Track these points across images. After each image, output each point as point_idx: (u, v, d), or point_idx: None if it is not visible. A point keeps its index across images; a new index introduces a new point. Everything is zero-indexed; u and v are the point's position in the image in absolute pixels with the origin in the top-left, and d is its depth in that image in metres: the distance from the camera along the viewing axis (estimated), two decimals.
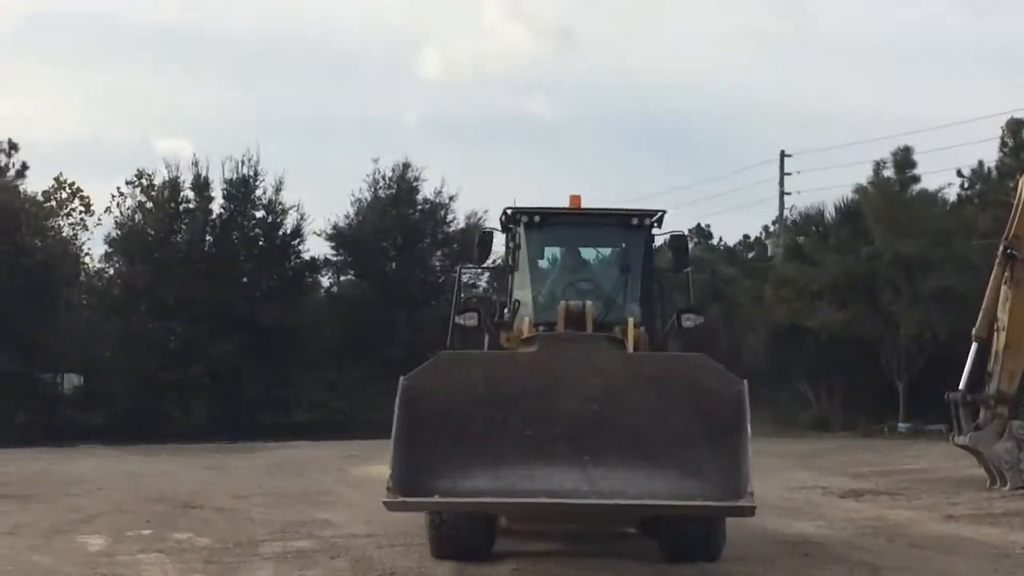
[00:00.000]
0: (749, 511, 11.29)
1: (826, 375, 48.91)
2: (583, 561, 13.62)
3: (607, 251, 16.42)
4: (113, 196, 51.34)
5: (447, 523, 13.11)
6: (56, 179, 52.85)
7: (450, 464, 11.96)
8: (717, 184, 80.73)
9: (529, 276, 15.72)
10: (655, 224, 15.87)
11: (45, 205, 52.01)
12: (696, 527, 12.98)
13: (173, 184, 49.97)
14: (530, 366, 12.54)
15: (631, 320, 14.20)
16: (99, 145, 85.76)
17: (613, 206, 16.46)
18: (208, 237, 50.26)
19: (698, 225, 64.32)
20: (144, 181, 50.56)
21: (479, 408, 12.27)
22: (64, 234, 52.16)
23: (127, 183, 50.88)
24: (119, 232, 50.13)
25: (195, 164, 50.31)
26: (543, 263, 16.26)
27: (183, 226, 49.93)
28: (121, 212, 50.50)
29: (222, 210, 50.49)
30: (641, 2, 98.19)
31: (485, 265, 18.36)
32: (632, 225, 15.67)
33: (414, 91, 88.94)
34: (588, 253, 16.52)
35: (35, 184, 52.86)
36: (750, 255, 64.37)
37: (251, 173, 50.46)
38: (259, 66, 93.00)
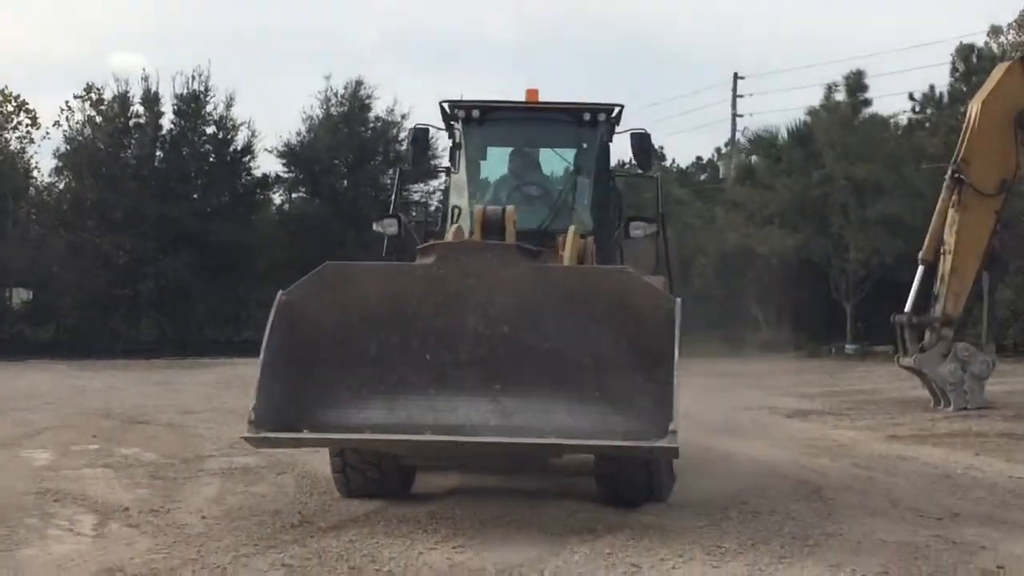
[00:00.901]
0: (672, 452, 9.60)
1: (776, 297, 49.22)
2: (514, 501, 11.54)
3: (561, 152, 14.62)
4: (62, 110, 50.96)
5: (350, 464, 11.66)
6: (1, 92, 52.33)
7: (333, 394, 10.41)
8: (670, 105, 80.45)
9: (466, 179, 14.01)
10: (613, 121, 14.20)
11: None
12: (635, 468, 11.16)
13: (123, 99, 49.68)
14: (426, 280, 10.53)
15: (571, 229, 12.35)
16: (47, 59, 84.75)
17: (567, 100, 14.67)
18: (158, 152, 50.15)
19: None
20: (93, 95, 50.18)
21: (370, 328, 10.51)
22: (11, 148, 51.69)
23: (75, 97, 50.49)
24: (68, 147, 49.80)
25: (145, 79, 50.17)
26: (485, 165, 14.65)
27: (133, 141, 49.76)
28: (70, 127, 50.14)
29: (172, 126, 50.37)
30: None
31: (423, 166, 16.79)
32: (585, 121, 14.06)
33: (371, 6, 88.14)
34: (539, 154, 14.73)
35: None
36: (702, 177, 64.51)
37: (202, 88, 50.35)
38: None
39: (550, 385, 10.28)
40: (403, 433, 10.15)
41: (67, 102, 50.61)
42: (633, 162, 15.09)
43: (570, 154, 14.29)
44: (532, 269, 10.60)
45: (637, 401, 10.08)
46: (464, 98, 14.40)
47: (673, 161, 65.85)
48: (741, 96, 63.01)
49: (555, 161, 14.55)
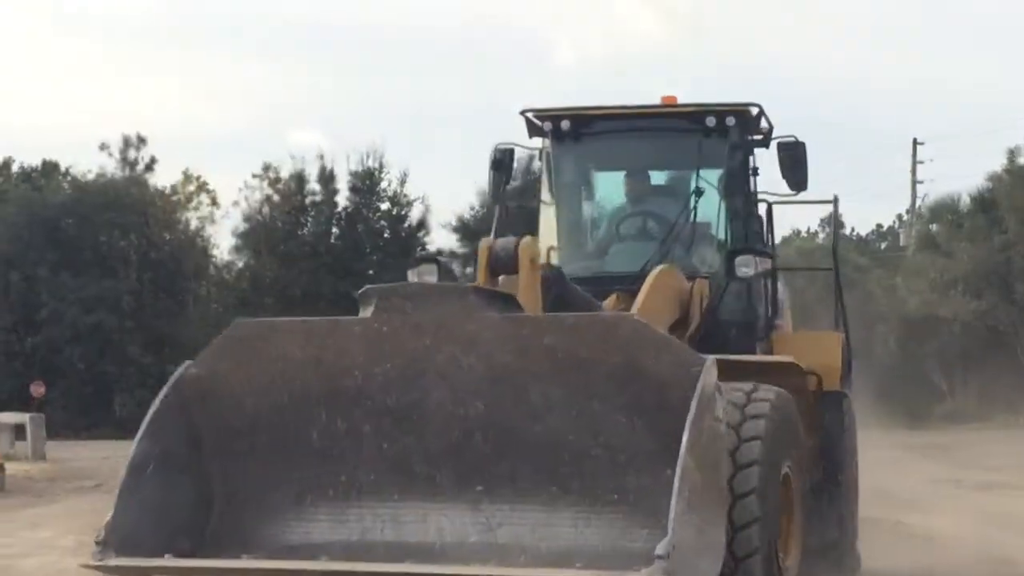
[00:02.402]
0: None
1: (960, 366, 47.81)
2: None
3: (679, 172, 11.94)
4: (240, 189, 51.71)
5: None
6: (184, 173, 53.30)
7: (254, 502, 7.83)
8: (849, 172, 79.01)
9: (556, 213, 11.81)
10: (748, 127, 11.52)
11: (173, 199, 52.38)
12: None
13: (299, 177, 50.27)
14: (366, 339, 7.58)
15: (659, 268, 10.24)
16: (225, 138, 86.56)
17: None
18: (334, 230, 50.49)
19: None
20: (271, 174, 50.85)
21: (299, 408, 7.71)
22: (192, 227, 52.61)
23: (254, 176, 51.20)
24: (246, 225, 50.51)
25: (321, 157, 50.74)
26: (581, 192, 12.12)
27: (309, 219, 50.25)
28: (248, 205, 50.86)
29: (347, 203, 50.68)
30: None
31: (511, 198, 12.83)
32: (710, 128, 11.27)
33: (545, 79, 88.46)
34: (656, 176, 12.07)
35: (163, 178, 53.54)
36: (882, 245, 63.27)
37: (376, 165, 50.64)
38: (390, 57, 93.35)
39: (548, 484, 7.49)
40: (356, 554, 7.39)
41: (245, 181, 51.37)
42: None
43: (690, 173, 11.57)
44: (504, 321, 7.56)
45: (661, 505, 6.76)
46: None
47: (853, 229, 64.87)
48: (921, 162, 61.75)
49: (682, 183, 11.74)
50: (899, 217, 65.49)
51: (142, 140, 51.82)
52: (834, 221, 13.22)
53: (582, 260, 11.63)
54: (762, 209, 12.09)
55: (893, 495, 17.81)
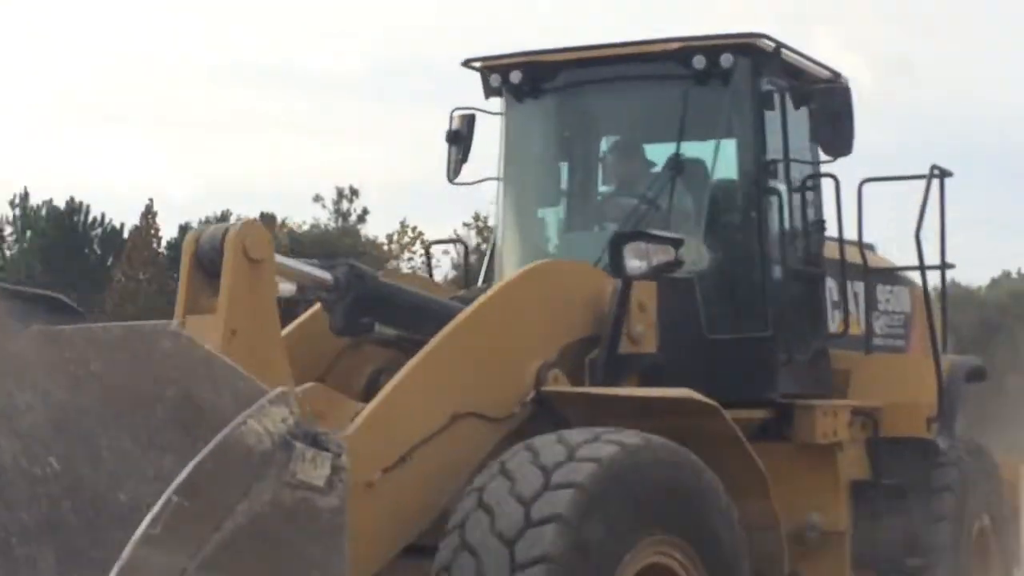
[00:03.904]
0: None
1: None
2: None
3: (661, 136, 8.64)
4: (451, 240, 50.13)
5: None
6: (401, 223, 52.32)
7: None
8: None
9: (507, 190, 8.91)
10: (759, 69, 8.21)
11: (385, 248, 51.26)
12: None
13: None
14: None
15: (529, 267, 7.20)
16: (435, 187, 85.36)
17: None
18: None
19: None
20: (480, 223, 49.31)
21: None
22: None
23: (464, 225, 49.78)
24: (455, 273, 48.55)
25: None
26: (533, 165, 9.06)
27: None
28: (457, 255, 49.02)
29: None
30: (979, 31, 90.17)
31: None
32: (700, 71, 8.07)
33: None
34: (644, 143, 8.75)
35: (375, 228, 52.57)
36: None
37: None
38: None
39: None
40: None
41: (455, 230, 50.33)
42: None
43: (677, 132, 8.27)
44: (42, 338, 5.30)
45: None
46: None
47: (1019, 270, 59.18)
48: None
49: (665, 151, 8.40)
50: None
51: (354, 192, 52.41)
52: (940, 205, 9.27)
53: (524, 256, 8.55)
54: (828, 186, 8.72)
55: None
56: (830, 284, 8.84)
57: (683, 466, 6.18)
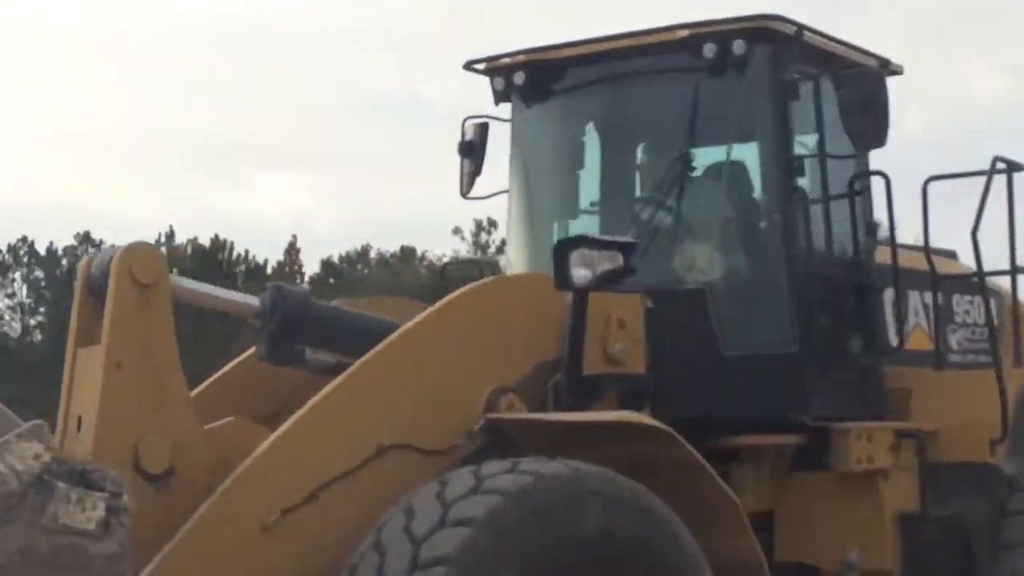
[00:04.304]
0: None
1: None
2: None
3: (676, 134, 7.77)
4: None
5: None
6: None
7: None
8: None
9: (513, 202, 8.27)
10: (780, 56, 7.34)
11: None
12: None
13: None
14: None
15: (467, 289, 6.36)
16: None
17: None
18: None
19: None
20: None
21: None
22: None
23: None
24: None
25: None
26: (541, 170, 8.26)
27: None
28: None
29: None
30: None
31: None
32: (711, 60, 7.25)
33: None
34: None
35: None
36: None
37: None
38: None
39: None
40: None
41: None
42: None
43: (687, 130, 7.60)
44: None
45: None
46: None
47: None
48: None
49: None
50: None
51: (493, 224, 52.12)
52: (1008, 202, 8.30)
53: (529, 271, 7.90)
54: (879, 186, 7.81)
55: None
56: (892, 295, 7.95)
57: (622, 501, 5.29)
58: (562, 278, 6.11)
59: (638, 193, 7.71)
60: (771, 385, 7.13)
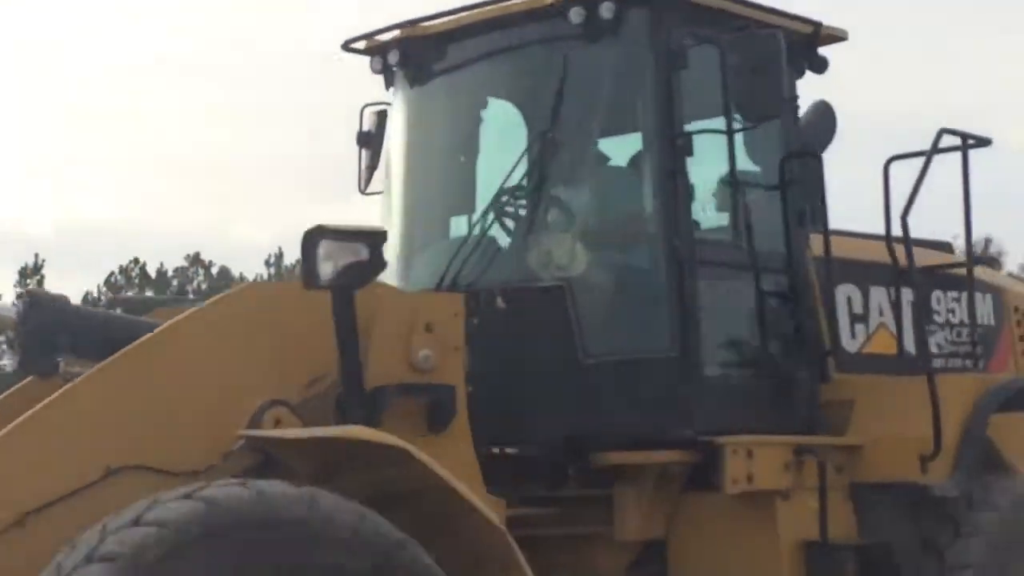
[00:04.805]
0: None
1: None
2: None
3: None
4: None
5: None
6: None
7: None
8: None
9: (390, 194, 7.38)
10: (655, 15, 6.51)
11: None
12: None
13: None
14: None
15: (205, 305, 5.63)
16: None
17: None
18: None
19: None
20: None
21: None
22: None
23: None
24: None
25: None
26: (411, 159, 7.34)
27: None
28: None
29: None
30: None
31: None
32: (574, 28, 6.47)
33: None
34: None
35: None
36: None
37: None
38: None
39: None
40: None
41: None
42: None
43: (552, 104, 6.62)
44: None
45: None
46: None
47: None
48: None
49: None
50: None
51: None
52: (964, 181, 7.46)
53: (395, 271, 7.06)
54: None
55: None
56: (849, 292, 7.21)
57: (319, 535, 4.46)
58: (307, 275, 5.36)
59: (509, 182, 6.69)
60: (645, 395, 6.32)
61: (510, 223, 6.64)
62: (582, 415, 6.31)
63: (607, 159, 6.82)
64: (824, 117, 7.39)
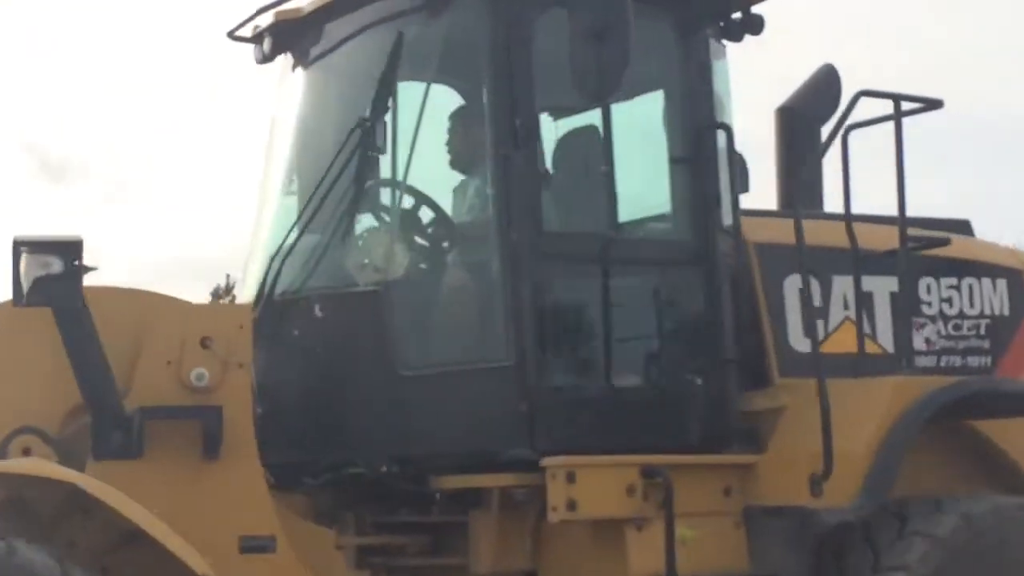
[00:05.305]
0: None
1: None
2: None
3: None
4: None
5: None
6: None
7: None
8: None
9: (261, 191, 6.81)
10: None
11: None
12: None
13: None
14: None
15: None
16: None
17: None
18: None
19: None
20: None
21: None
22: None
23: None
24: None
25: None
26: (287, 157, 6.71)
27: None
28: None
29: None
30: None
31: None
32: (408, 4, 5.94)
33: None
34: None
35: None
36: None
37: None
38: None
39: None
40: None
41: None
42: None
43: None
44: None
45: None
46: None
47: None
48: None
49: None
50: None
51: None
52: (897, 148, 6.39)
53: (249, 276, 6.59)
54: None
55: None
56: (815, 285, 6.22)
57: None
58: (14, 292, 4.85)
59: (329, 176, 5.96)
60: (475, 411, 5.57)
61: (332, 222, 5.93)
62: (406, 433, 5.62)
63: (436, 145, 6.08)
64: (828, 82, 6.63)
